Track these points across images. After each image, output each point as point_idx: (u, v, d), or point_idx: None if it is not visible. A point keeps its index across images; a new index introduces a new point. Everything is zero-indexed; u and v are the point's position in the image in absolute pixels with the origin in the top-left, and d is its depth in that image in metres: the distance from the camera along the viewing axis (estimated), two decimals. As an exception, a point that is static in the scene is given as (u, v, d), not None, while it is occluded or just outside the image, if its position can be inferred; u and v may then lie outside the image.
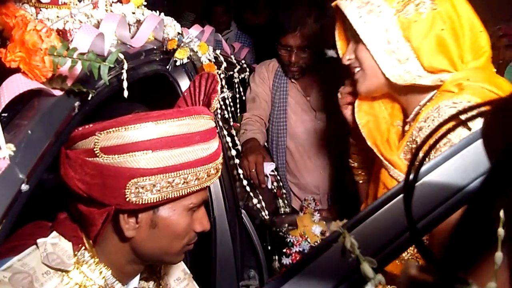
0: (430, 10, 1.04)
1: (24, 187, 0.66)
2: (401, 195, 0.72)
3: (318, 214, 1.63)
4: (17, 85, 0.69)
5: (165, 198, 0.79)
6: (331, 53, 2.03)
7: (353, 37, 1.16)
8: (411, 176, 0.37)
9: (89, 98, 0.88)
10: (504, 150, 0.25)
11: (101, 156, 0.75)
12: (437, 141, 0.35)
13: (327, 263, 0.69)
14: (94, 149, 0.75)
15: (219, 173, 0.91)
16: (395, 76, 1.08)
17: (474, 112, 0.33)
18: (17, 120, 0.72)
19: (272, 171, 1.63)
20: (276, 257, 1.76)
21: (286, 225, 1.68)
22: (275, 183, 1.87)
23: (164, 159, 0.77)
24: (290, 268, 0.84)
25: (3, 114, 0.71)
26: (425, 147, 0.36)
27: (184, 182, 0.80)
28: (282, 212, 1.91)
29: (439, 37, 1.04)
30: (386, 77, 1.09)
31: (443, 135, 0.36)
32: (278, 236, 1.68)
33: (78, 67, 0.81)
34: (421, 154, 0.37)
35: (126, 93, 1.04)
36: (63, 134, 0.80)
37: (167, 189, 0.78)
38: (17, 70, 0.71)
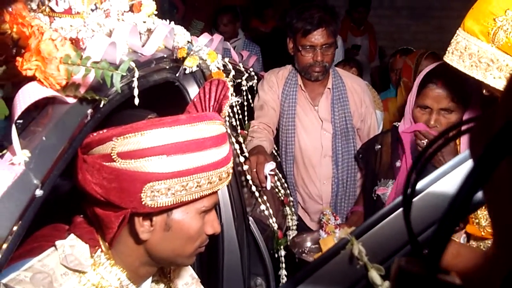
0: None
1: (39, 192, 0.68)
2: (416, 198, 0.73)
3: (339, 230, 1.62)
4: (32, 92, 0.70)
5: (179, 202, 0.81)
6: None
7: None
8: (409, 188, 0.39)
9: (101, 106, 0.89)
10: (487, 144, 0.26)
11: (118, 161, 0.77)
12: (432, 154, 0.37)
13: (335, 270, 0.70)
14: (112, 154, 0.77)
15: (230, 177, 0.93)
16: None
17: (465, 127, 0.35)
18: (32, 126, 0.74)
19: (272, 170, 1.63)
20: (283, 265, 1.76)
21: (309, 243, 1.67)
22: (279, 188, 1.86)
23: (178, 163, 0.79)
24: (297, 275, 0.85)
25: (18, 121, 0.73)
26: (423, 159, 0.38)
27: (197, 185, 0.82)
28: (289, 221, 1.91)
29: None
30: None
31: (438, 149, 0.37)
32: (301, 258, 1.68)
33: (91, 75, 0.83)
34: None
35: (137, 101, 1.05)
36: (76, 140, 0.82)
37: (181, 192, 0.81)
38: (32, 78, 0.73)
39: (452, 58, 1.25)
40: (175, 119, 0.83)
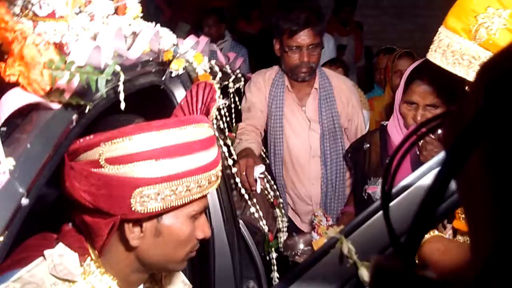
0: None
1: (25, 201, 0.66)
2: (399, 198, 0.74)
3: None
4: (16, 99, 0.69)
5: (169, 206, 0.80)
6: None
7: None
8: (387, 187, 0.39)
9: (86, 111, 0.88)
10: (458, 135, 0.27)
11: (106, 167, 0.76)
12: (407, 151, 0.38)
13: (325, 269, 0.70)
14: (99, 160, 0.76)
15: (219, 180, 0.92)
16: None
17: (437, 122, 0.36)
18: (16, 134, 0.72)
19: (262, 173, 1.63)
20: (275, 267, 1.75)
21: (302, 246, 1.68)
22: (269, 191, 1.86)
23: (167, 167, 0.79)
24: (288, 275, 0.84)
25: (2, 128, 0.71)
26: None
27: (187, 189, 0.82)
28: (280, 223, 1.90)
29: None
30: None
31: (413, 144, 0.38)
32: (294, 261, 1.68)
33: (76, 80, 0.81)
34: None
35: (123, 105, 1.04)
36: (62, 147, 0.80)
37: (171, 197, 0.80)
38: (16, 84, 0.72)
39: (435, 55, 1.26)
40: (163, 123, 0.82)
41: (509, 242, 0.24)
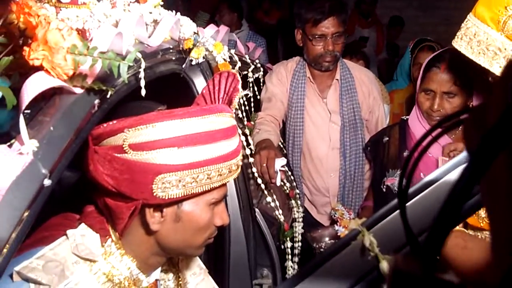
0: None
1: (47, 181, 0.68)
2: (421, 194, 0.73)
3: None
4: (39, 82, 0.70)
5: (190, 193, 0.82)
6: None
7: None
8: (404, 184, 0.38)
9: (108, 96, 0.89)
10: (482, 137, 0.26)
11: (130, 152, 0.78)
12: (425, 149, 0.37)
13: (345, 261, 0.69)
14: (123, 146, 0.78)
15: (239, 169, 0.93)
16: None
17: (455, 120, 0.35)
18: (40, 116, 0.74)
19: (283, 166, 1.62)
20: (290, 256, 1.76)
21: (327, 239, 1.68)
22: (286, 182, 1.86)
23: (189, 155, 0.80)
24: (308, 265, 0.85)
25: (26, 111, 0.73)
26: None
27: (208, 178, 0.83)
28: (295, 213, 1.90)
29: None
30: None
31: (431, 142, 0.37)
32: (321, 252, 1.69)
33: (98, 66, 0.82)
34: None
35: (143, 92, 1.05)
36: (84, 131, 0.82)
37: (192, 184, 0.81)
38: (39, 68, 0.73)
39: (460, 43, 1.24)
40: (186, 111, 0.83)
41: None
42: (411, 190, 0.64)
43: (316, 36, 1.86)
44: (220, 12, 3.46)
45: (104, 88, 0.83)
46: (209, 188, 0.85)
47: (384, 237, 0.65)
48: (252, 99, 1.96)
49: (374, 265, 0.68)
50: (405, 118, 1.81)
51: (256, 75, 2.08)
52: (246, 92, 1.70)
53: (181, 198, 0.82)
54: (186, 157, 0.80)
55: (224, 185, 0.90)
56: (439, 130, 0.37)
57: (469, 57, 1.21)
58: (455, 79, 1.53)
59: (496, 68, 1.15)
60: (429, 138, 0.39)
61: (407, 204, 0.62)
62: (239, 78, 0.98)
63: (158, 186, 0.78)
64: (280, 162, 1.59)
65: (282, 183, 1.84)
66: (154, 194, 0.78)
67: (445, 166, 0.80)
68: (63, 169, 0.74)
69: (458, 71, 1.48)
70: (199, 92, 1.49)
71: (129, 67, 0.92)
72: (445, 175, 0.80)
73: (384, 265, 0.61)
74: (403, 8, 5.28)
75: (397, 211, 0.66)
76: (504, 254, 0.27)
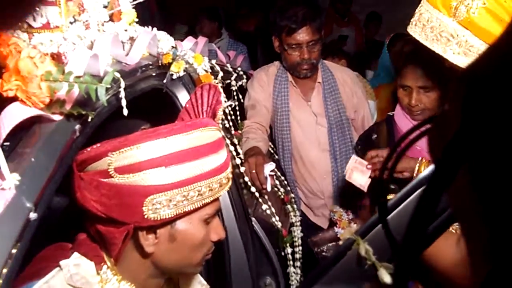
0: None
1: (33, 215, 0.66)
2: (414, 194, 0.72)
3: (355, 225, 1.62)
4: (16, 114, 0.68)
5: (182, 212, 0.80)
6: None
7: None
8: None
9: (89, 120, 0.87)
10: (443, 150, 0.26)
11: (116, 176, 0.76)
12: (399, 156, 0.37)
13: (342, 272, 0.68)
14: (109, 170, 0.76)
15: (230, 182, 0.92)
16: None
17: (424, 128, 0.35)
18: (20, 148, 0.71)
19: (272, 171, 1.62)
20: (291, 262, 1.74)
21: (328, 242, 1.68)
22: (280, 188, 1.85)
23: (177, 173, 0.78)
24: (305, 281, 0.83)
25: (5, 144, 0.71)
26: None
27: (199, 194, 0.81)
28: (292, 218, 1.89)
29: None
30: None
31: (404, 149, 0.37)
32: (323, 256, 1.68)
33: (76, 90, 0.80)
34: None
35: (125, 111, 1.03)
36: (67, 158, 0.80)
37: (183, 202, 0.79)
38: (15, 99, 0.71)
39: (415, 29, 1.23)
40: (170, 128, 0.82)
41: (502, 265, 0.23)
42: (395, 198, 0.63)
43: (292, 45, 1.86)
44: (200, 23, 3.45)
45: (84, 112, 0.81)
46: (201, 205, 0.83)
47: (380, 243, 0.64)
48: (237, 108, 1.95)
49: (372, 274, 0.66)
50: (391, 114, 1.81)
51: (240, 83, 2.07)
52: (229, 103, 1.69)
53: (173, 217, 0.80)
54: (174, 175, 0.78)
55: (217, 199, 0.89)
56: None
57: (424, 44, 1.20)
58: (428, 73, 1.54)
59: (450, 54, 1.14)
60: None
61: (393, 213, 0.62)
62: (221, 90, 0.97)
63: (148, 208, 0.76)
64: (269, 167, 1.59)
65: (276, 189, 1.82)
66: (146, 216, 0.76)
67: (428, 170, 0.79)
68: (49, 200, 0.72)
69: (430, 65, 1.50)
70: (183, 105, 1.48)
71: (109, 87, 0.90)
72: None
73: (383, 273, 0.60)
74: (377, 4, 5.32)
75: (389, 216, 0.64)
76: (480, 263, 0.27)
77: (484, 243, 0.25)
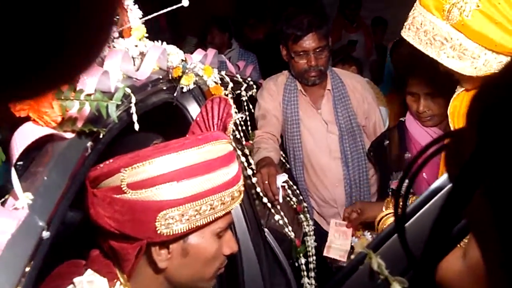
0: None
1: (45, 234, 0.66)
2: (425, 207, 0.70)
3: (369, 234, 1.61)
4: (28, 133, 0.69)
5: (194, 226, 0.80)
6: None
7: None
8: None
9: (101, 137, 0.88)
10: (460, 170, 0.26)
11: (129, 192, 0.76)
12: (419, 169, 0.36)
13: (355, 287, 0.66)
14: (122, 186, 0.77)
15: (242, 195, 0.92)
16: (477, 71, 1.09)
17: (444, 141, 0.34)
18: (33, 168, 0.72)
19: (285, 182, 1.61)
20: (305, 272, 1.73)
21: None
22: (292, 197, 1.84)
23: (189, 188, 0.79)
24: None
25: (18, 163, 0.72)
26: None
27: (211, 208, 0.82)
28: (305, 227, 1.87)
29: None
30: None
31: (426, 161, 0.36)
32: (337, 266, 1.67)
33: (87, 108, 0.81)
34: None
35: (137, 126, 1.04)
36: (79, 175, 0.81)
37: (195, 217, 0.80)
38: (27, 119, 0.72)
39: (408, 33, 1.21)
40: (182, 143, 0.83)
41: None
42: (409, 208, 0.62)
43: (299, 53, 1.86)
44: (211, 34, 3.48)
45: (95, 129, 0.82)
46: (213, 219, 0.83)
47: (393, 257, 0.63)
48: (248, 118, 1.95)
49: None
50: (403, 120, 1.80)
51: (250, 93, 2.08)
52: (240, 115, 1.69)
53: (186, 232, 0.80)
54: (186, 190, 0.79)
55: (229, 213, 0.89)
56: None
57: (418, 47, 1.18)
58: (432, 79, 1.53)
59: (444, 58, 1.12)
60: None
61: (408, 223, 0.61)
62: (231, 102, 0.97)
63: (161, 223, 0.77)
64: (281, 178, 1.58)
65: (289, 198, 1.81)
66: (158, 231, 0.77)
67: (441, 179, 0.77)
68: (62, 218, 0.72)
69: (434, 70, 1.48)
70: (194, 118, 1.48)
71: (120, 104, 0.91)
72: (442, 189, 0.76)
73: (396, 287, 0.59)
74: (385, 9, 5.30)
75: (412, 220, 0.63)
76: (495, 272, 0.27)
77: (499, 254, 0.26)
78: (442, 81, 1.51)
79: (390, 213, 1.31)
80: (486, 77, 0.28)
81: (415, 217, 0.71)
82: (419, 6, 1.17)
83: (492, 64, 1.07)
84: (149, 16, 1.22)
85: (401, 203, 0.38)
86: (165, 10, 1.12)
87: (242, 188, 0.91)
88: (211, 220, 0.83)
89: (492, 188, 0.25)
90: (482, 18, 1.03)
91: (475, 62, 1.07)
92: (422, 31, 1.14)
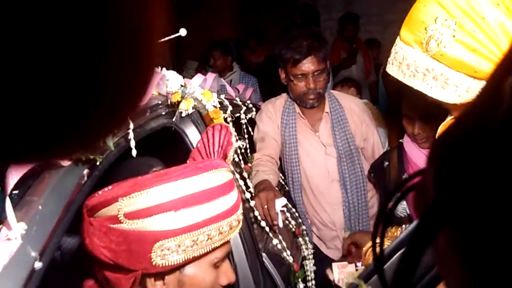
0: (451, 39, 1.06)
1: (38, 264, 0.66)
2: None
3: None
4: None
5: (191, 257, 0.79)
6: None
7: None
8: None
9: (97, 164, 0.88)
10: (425, 209, 0.26)
11: (126, 222, 0.76)
12: (396, 203, 0.37)
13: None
14: (118, 216, 0.76)
15: (241, 224, 0.91)
16: (461, 99, 1.10)
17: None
18: (28, 196, 0.73)
19: (283, 206, 1.60)
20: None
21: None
22: (291, 220, 1.83)
23: (187, 217, 0.78)
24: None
25: (14, 192, 0.72)
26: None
27: (208, 238, 0.80)
28: (304, 251, 1.86)
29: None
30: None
31: (397, 201, 0.37)
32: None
33: (84, 136, 0.82)
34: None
35: (134, 153, 1.05)
36: (75, 203, 0.81)
37: (192, 247, 0.79)
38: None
39: (392, 68, 1.23)
40: (181, 172, 0.82)
41: None
42: (390, 247, 0.62)
43: (298, 76, 1.88)
44: (213, 57, 3.53)
45: (92, 157, 0.83)
46: (210, 249, 0.82)
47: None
48: (247, 140, 1.96)
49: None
50: (402, 141, 1.80)
51: (249, 116, 2.09)
52: (240, 143, 1.70)
53: (182, 263, 0.79)
54: (184, 220, 0.77)
55: (227, 242, 0.88)
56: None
57: (402, 81, 1.20)
58: (424, 101, 1.54)
59: (428, 89, 1.14)
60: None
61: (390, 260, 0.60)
62: (232, 130, 0.97)
63: (157, 254, 0.76)
64: (280, 203, 1.57)
65: (287, 221, 1.80)
66: (154, 263, 0.76)
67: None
68: (56, 248, 0.72)
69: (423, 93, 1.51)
70: (192, 142, 1.49)
71: (117, 131, 0.92)
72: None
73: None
74: (383, 30, 5.38)
75: (392, 259, 0.63)
76: None
77: None
78: (436, 104, 1.52)
79: (377, 243, 1.30)
80: (449, 124, 0.29)
81: (398, 253, 0.71)
82: (399, 41, 1.20)
83: (474, 90, 1.09)
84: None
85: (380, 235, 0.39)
86: (164, 39, 1.14)
87: (241, 217, 0.90)
88: (208, 250, 0.81)
89: (452, 232, 0.26)
90: (459, 47, 1.05)
91: (458, 89, 1.09)
92: (405, 64, 1.17)
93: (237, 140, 1.54)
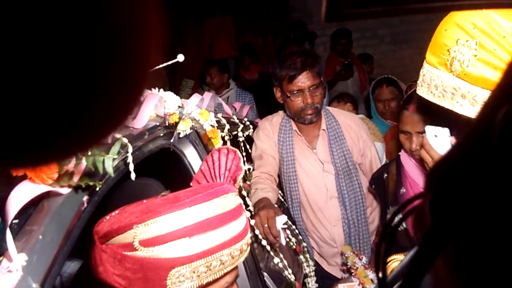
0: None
1: (39, 296, 0.65)
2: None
3: (371, 272, 1.59)
4: (25, 193, 0.69)
5: (204, 283, 0.79)
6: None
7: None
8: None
9: (97, 189, 0.88)
10: (423, 237, 0.27)
11: (141, 249, 0.75)
12: (393, 231, 0.37)
13: None
14: (133, 243, 0.75)
15: (249, 248, 0.91)
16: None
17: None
18: (28, 226, 0.72)
19: (285, 223, 1.59)
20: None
21: None
22: (291, 238, 1.82)
23: (201, 243, 0.78)
24: None
25: (14, 222, 0.72)
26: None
27: (221, 263, 0.81)
28: (305, 268, 1.84)
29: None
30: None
31: (397, 226, 0.38)
32: None
33: (84, 162, 0.82)
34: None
35: (133, 176, 1.05)
36: (75, 230, 0.80)
37: (206, 273, 0.79)
38: (24, 177, 0.73)
39: (422, 90, 1.28)
40: (193, 198, 0.82)
41: None
42: (394, 272, 0.62)
43: (294, 92, 1.89)
44: (210, 75, 3.55)
45: (91, 183, 0.82)
46: (222, 274, 0.82)
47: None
48: (245, 158, 1.96)
49: None
50: (400, 154, 1.82)
51: (247, 133, 2.10)
52: (248, 166, 1.70)
53: None
54: (198, 245, 0.78)
55: (236, 267, 0.87)
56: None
57: (433, 101, 1.24)
58: (425, 118, 1.56)
59: (458, 107, 1.18)
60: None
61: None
62: (240, 156, 0.98)
63: (172, 281, 0.75)
64: (281, 220, 1.56)
65: (288, 239, 1.79)
66: None
67: None
68: (56, 276, 0.71)
69: (426, 109, 1.52)
70: (191, 162, 1.49)
71: (116, 157, 0.91)
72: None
73: None
74: (378, 45, 5.45)
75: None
76: None
77: None
78: (434, 120, 1.54)
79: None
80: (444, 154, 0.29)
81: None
82: (426, 64, 1.26)
83: None
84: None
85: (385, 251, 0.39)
86: (162, 65, 1.15)
87: (250, 241, 0.90)
88: (220, 276, 0.81)
89: (448, 258, 0.26)
90: (481, 65, 1.09)
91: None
92: (433, 85, 1.22)
93: (244, 164, 1.54)
